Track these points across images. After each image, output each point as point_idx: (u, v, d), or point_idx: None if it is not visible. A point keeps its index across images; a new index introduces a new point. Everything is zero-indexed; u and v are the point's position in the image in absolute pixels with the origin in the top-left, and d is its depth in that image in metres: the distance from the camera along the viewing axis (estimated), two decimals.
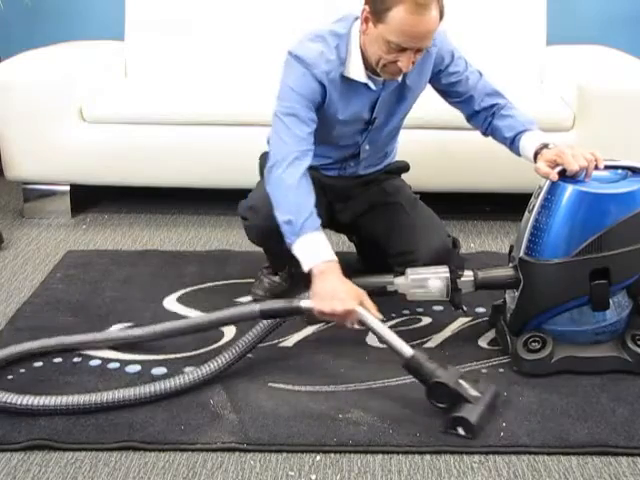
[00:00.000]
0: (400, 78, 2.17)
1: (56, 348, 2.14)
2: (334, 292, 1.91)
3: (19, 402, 1.87)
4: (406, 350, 1.89)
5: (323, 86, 2.12)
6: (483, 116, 2.28)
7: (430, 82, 2.30)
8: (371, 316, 1.92)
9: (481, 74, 2.29)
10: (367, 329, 1.96)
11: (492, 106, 2.26)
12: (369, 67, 2.12)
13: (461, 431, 1.81)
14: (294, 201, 2.02)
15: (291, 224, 1.99)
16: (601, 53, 3.41)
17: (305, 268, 1.98)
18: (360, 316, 1.91)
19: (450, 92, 2.30)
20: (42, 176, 3.15)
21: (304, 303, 1.96)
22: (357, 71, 2.13)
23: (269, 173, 2.07)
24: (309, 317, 2.02)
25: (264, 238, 2.27)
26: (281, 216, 2.02)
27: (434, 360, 1.89)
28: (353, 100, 2.19)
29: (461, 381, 1.86)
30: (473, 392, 1.85)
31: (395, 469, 1.75)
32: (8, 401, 1.87)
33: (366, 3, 2.03)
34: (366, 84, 2.15)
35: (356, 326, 1.95)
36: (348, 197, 2.43)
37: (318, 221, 2.02)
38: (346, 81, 2.15)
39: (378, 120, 2.26)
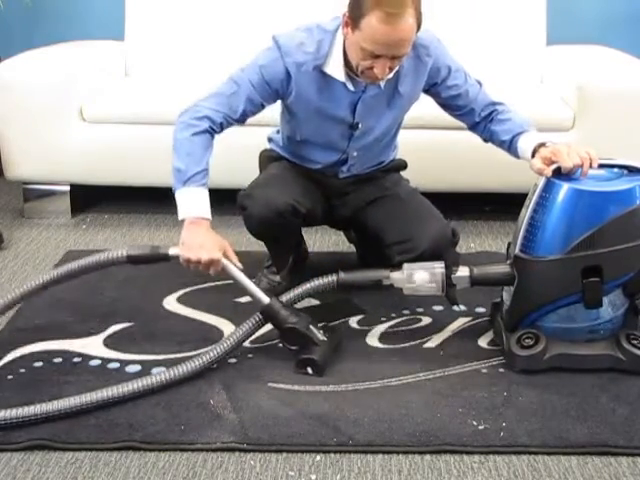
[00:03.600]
0: (383, 85, 2.19)
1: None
2: (201, 242, 2.06)
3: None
4: (263, 298, 2.07)
5: (289, 76, 2.16)
6: (483, 125, 2.30)
7: (430, 95, 2.32)
8: (232, 266, 2.08)
9: (481, 85, 2.30)
10: (230, 278, 2.11)
11: (490, 113, 2.28)
12: (351, 68, 2.13)
13: (310, 370, 2.03)
14: (192, 152, 2.13)
15: (181, 172, 2.12)
16: (601, 53, 3.41)
17: (180, 216, 2.12)
18: (223, 265, 2.07)
19: (451, 105, 2.32)
20: (42, 176, 3.15)
21: (172, 250, 2.10)
22: (336, 69, 2.16)
23: (180, 115, 2.19)
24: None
25: (263, 226, 2.28)
26: (175, 162, 2.14)
27: (287, 308, 2.08)
28: (329, 96, 2.21)
29: (311, 327, 2.06)
30: (320, 336, 2.05)
31: (395, 469, 1.75)
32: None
33: (347, 8, 2.05)
34: (344, 83, 2.17)
35: (212, 273, 2.09)
36: (345, 193, 2.45)
37: (206, 179, 2.12)
38: (323, 75, 2.18)
39: (363, 125, 2.27)
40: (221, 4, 3.47)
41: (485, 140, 2.34)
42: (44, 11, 3.75)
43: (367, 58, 2.03)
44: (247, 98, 2.19)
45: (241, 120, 2.24)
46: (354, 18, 2.01)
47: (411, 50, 2.16)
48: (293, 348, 2.06)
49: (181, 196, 2.13)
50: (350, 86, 2.18)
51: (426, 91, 2.30)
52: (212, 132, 2.17)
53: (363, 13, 1.97)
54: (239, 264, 2.11)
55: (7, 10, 3.60)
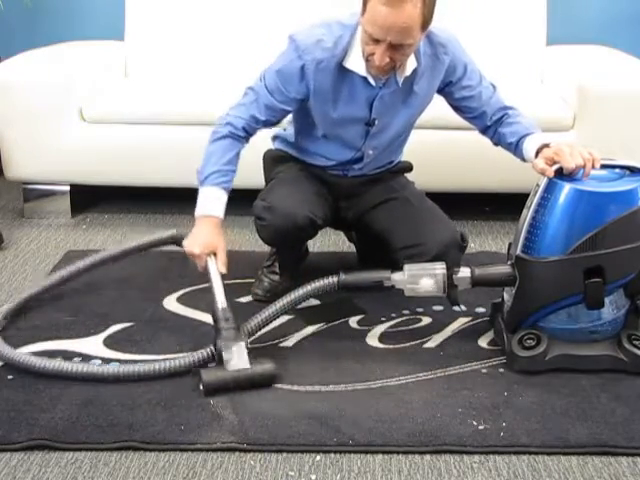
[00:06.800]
0: (400, 82, 2.17)
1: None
2: (196, 237, 2.17)
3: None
4: (219, 302, 2.10)
5: (304, 75, 2.15)
6: (493, 129, 2.29)
7: (443, 96, 2.31)
8: (213, 266, 2.15)
9: (495, 88, 2.29)
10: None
11: (501, 117, 2.27)
12: None
13: (200, 385, 1.97)
14: (210, 155, 2.21)
15: (199, 172, 2.21)
16: (601, 53, 3.41)
17: (195, 214, 2.21)
18: (207, 263, 2.16)
19: (463, 107, 2.30)
20: (42, 176, 3.15)
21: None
22: (356, 63, 2.14)
23: (216, 123, 2.27)
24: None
25: (280, 238, 2.28)
26: (200, 163, 2.23)
27: (233, 324, 2.05)
28: (348, 92, 2.20)
29: (234, 348, 2.00)
30: (234, 360, 1.98)
31: (395, 469, 1.75)
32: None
33: None
34: (365, 78, 2.16)
35: (199, 268, 2.19)
36: (353, 195, 2.43)
37: (221, 179, 2.18)
38: (343, 71, 2.16)
39: (379, 122, 2.26)
40: (221, 4, 3.47)
41: (495, 144, 2.33)
42: (44, 11, 3.75)
43: (369, 43, 2.03)
44: (265, 106, 2.21)
45: (267, 126, 2.28)
46: (363, 2, 2.02)
47: (429, 48, 2.15)
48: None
49: (199, 195, 2.21)
50: (371, 80, 2.16)
51: (440, 91, 2.28)
52: (233, 136, 2.21)
53: None
54: (222, 268, 2.14)
55: (7, 10, 3.60)
